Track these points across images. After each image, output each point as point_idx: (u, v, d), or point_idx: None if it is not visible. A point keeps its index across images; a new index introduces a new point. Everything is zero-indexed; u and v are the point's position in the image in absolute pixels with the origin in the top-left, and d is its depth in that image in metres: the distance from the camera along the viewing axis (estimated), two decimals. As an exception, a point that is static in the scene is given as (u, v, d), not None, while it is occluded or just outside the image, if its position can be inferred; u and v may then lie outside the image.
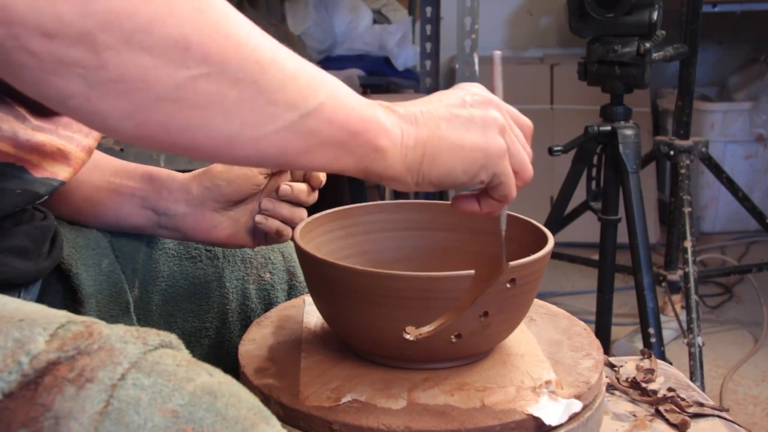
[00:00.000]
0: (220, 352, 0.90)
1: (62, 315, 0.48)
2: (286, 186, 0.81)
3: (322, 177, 0.83)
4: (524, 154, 0.65)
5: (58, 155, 0.70)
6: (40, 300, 0.76)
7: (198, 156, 0.53)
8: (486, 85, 0.67)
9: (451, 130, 0.60)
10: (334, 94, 0.54)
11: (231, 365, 0.73)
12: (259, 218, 0.82)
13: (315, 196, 0.84)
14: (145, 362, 0.45)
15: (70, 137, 0.71)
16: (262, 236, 0.84)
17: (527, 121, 0.67)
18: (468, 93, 0.63)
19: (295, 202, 0.82)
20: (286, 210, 0.82)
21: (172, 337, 0.49)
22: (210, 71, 0.48)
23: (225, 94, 0.49)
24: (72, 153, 0.72)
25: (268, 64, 0.50)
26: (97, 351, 0.45)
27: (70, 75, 0.45)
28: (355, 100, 0.56)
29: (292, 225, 0.82)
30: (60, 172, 0.71)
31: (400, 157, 0.58)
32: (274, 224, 0.82)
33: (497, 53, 0.70)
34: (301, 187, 0.82)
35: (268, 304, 0.91)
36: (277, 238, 0.83)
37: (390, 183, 0.60)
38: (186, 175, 0.84)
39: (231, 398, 0.46)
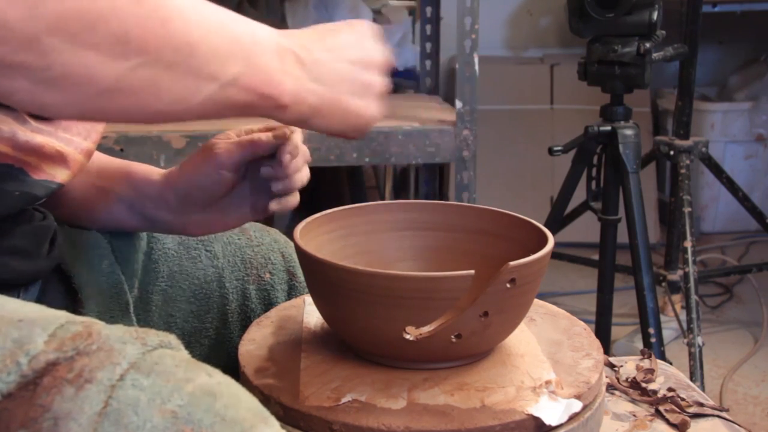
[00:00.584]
0: (220, 352, 0.90)
1: (61, 315, 0.48)
2: (286, 156, 0.77)
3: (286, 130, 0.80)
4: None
5: (57, 157, 0.70)
6: (39, 300, 0.76)
7: (129, 124, 0.56)
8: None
9: (346, 93, 0.64)
10: (249, 60, 0.57)
11: (231, 365, 0.73)
12: (274, 205, 0.78)
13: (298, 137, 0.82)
14: (144, 363, 0.45)
15: (69, 140, 0.71)
16: (261, 211, 0.81)
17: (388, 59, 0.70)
18: (369, 50, 0.67)
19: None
20: (296, 182, 0.79)
21: (171, 338, 0.49)
22: (147, 60, 0.50)
23: (160, 78, 0.51)
24: (70, 155, 0.72)
25: (198, 43, 0.53)
26: (96, 351, 0.45)
27: (15, 76, 0.47)
28: (268, 60, 0.58)
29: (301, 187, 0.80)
30: (58, 175, 0.71)
31: (296, 111, 0.61)
32: (289, 203, 0.79)
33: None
34: (293, 151, 0.78)
35: (268, 305, 0.91)
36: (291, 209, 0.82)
37: (284, 123, 0.65)
38: (160, 179, 0.82)
39: (230, 399, 0.46)
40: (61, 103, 0.50)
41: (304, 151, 0.79)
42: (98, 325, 0.47)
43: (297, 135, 0.78)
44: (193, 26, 0.53)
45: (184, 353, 0.49)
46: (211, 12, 0.56)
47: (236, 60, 0.56)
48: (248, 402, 0.47)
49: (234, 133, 0.79)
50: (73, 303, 0.78)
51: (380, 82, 0.68)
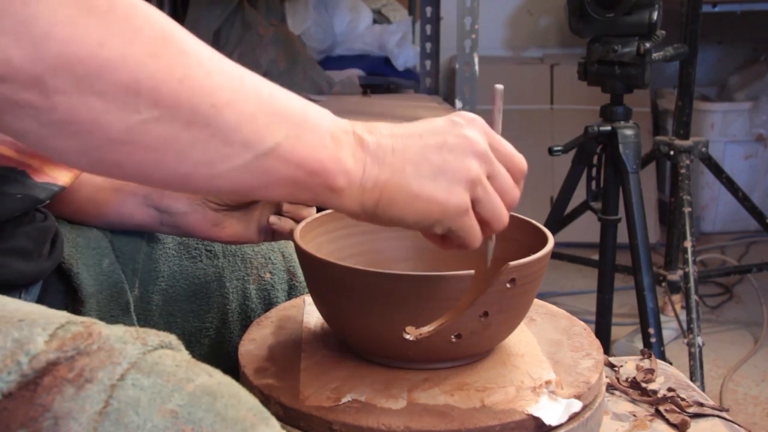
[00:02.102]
0: (220, 352, 0.90)
1: (62, 315, 0.48)
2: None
3: None
4: (499, 205, 0.62)
5: None
6: (40, 300, 0.76)
7: (157, 188, 0.53)
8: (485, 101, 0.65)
9: (415, 177, 0.58)
10: (295, 133, 0.54)
11: (231, 365, 0.73)
12: (273, 219, 0.82)
13: None
14: (144, 363, 0.45)
15: None
16: (268, 234, 0.85)
17: (520, 162, 0.64)
18: (455, 133, 0.60)
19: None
20: (305, 211, 0.83)
21: (172, 338, 0.49)
22: (161, 115, 0.48)
23: (177, 137, 0.49)
24: None
25: (224, 106, 0.50)
26: (96, 351, 0.45)
27: (23, 115, 0.46)
28: (318, 136, 0.55)
29: None
30: (60, 177, 0.71)
31: (356, 197, 0.57)
32: (288, 224, 0.82)
33: (499, 87, 0.67)
34: None
35: (268, 304, 0.91)
36: (287, 236, 0.83)
37: (345, 214, 0.60)
38: None
39: (230, 399, 0.46)
40: (72, 149, 0.48)
41: None
42: (99, 325, 0.47)
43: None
44: (219, 89, 0.50)
45: (185, 353, 0.49)
46: (253, 82, 0.53)
47: (277, 130, 0.53)
48: (249, 402, 0.47)
49: None
50: (73, 302, 0.78)
51: (473, 167, 0.59)
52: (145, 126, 0.48)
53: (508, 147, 0.63)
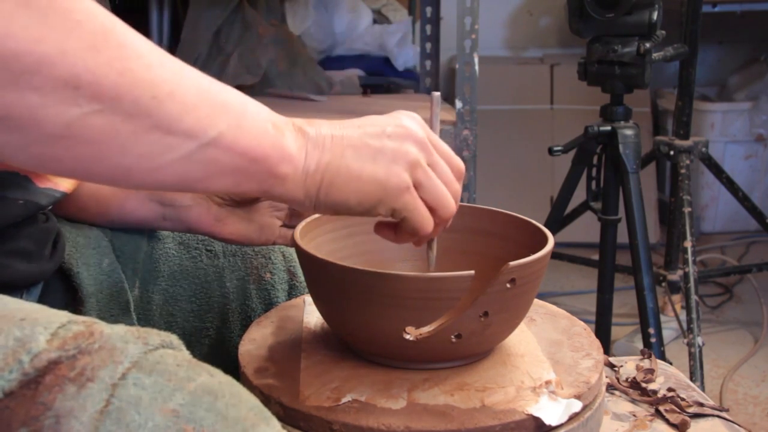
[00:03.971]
0: (220, 351, 0.90)
1: (63, 314, 0.48)
2: None
3: None
4: (443, 191, 0.63)
5: None
6: (40, 299, 0.76)
7: (98, 183, 0.53)
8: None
9: (355, 159, 0.59)
10: (236, 123, 0.54)
11: (231, 365, 0.73)
12: (284, 232, 0.84)
13: None
14: (145, 362, 0.46)
15: None
16: (269, 238, 0.85)
17: (458, 162, 0.66)
18: (393, 124, 0.62)
19: None
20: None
21: (173, 338, 0.50)
22: (102, 108, 0.48)
23: (118, 129, 0.49)
24: None
25: (166, 98, 0.50)
26: (98, 350, 0.45)
27: None
28: (259, 125, 0.55)
29: None
30: (62, 183, 0.72)
31: (300, 183, 0.58)
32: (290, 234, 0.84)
33: (436, 94, 0.71)
34: None
35: (269, 304, 0.91)
36: (288, 243, 0.84)
37: (291, 204, 0.60)
38: None
39: (231, 398, 0.46)
40: (10, 144, 0.48)
41: None
42: (100, 325, 0.47)
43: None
44: (160, 81, 0.50)
45: (186, 353, 0.49)
46: (193, 75, 0.53)
47: (219, 120, 0.53)
48: (249, 401, 0.47)
49: None
50: (73, 302, 0.78)
51: (412, 151, 0.61)
52: (86, 120, 0.48)
53: (446, 147, 0.65)
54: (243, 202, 0.83)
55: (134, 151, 0.50)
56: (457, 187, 0.65)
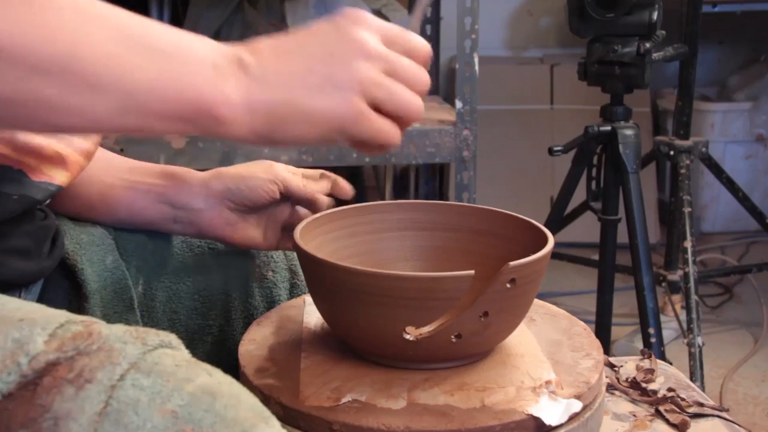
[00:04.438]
0: (223, 349, 0.90)
1: (61, 315, 0.48)
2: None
3: (348, 190, 0.87)
4: (406, 97, 0.60)
5: (56, 159, 0.70)
6: (42, 296, 0.76)
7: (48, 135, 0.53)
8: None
9: (304, 95, 0.57)
10: (169, 68, 0.53)
11: (234, 363, 0.73)
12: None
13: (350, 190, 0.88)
14: (144, 363, 0.46)
15: (68, 141, 0.72)
16: (274, 241, 0.86)
17: (423, 47, 0.62)
18: (341, 39, 0.59)
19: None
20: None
21: (172, 337, 0.49)
22: (21, 72, 0.48)
23: (43, 88, 0.49)
24: (70, 157, 0.72)
25: (91, 54, 0.50)
26: (96, 351, 0.45)
27: None
28: (195, 69, 0.54)
29: None
30: (57, 176, 0.71)
31: (246, 123, 0.57)
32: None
33: None
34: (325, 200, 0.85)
35: (271, 303, 0.91)
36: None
37: (240, 143, 0.60)
38: (205, 173, 0.85)
39: (230, 399, 0.46)
40: None
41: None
42: (98, 325, 0.47)
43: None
44: (87, 38, 0.50)
45: (185, 353, 0.49)
46: (119, 24, 0.53)
47: (150, 67, 0.52)
48: (249, 402, 0.47)
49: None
50: (78, 298, 0.78)
51: (363, 70, 0.58)
52: (10, 84, 0.48)
53: (406, 35, 0.62)
54: (255, 208, 0.83)
55: (68, 111, 0.51)
56: (425, 78, 0.62)
